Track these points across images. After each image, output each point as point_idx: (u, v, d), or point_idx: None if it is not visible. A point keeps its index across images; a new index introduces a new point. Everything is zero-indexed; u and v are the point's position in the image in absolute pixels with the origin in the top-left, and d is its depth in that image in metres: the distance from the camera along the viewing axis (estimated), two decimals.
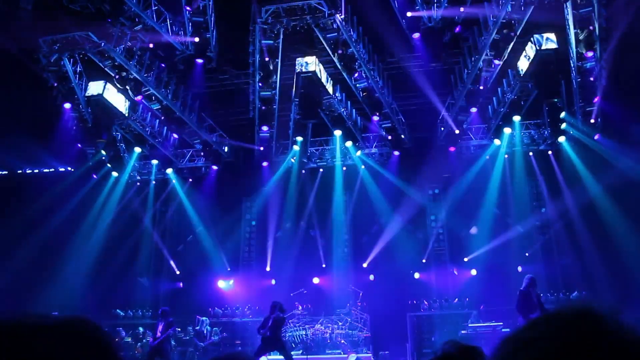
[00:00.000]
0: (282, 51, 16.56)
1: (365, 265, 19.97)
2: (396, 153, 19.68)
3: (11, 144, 18.83)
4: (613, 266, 16.05)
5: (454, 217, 19.70)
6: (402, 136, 19.28)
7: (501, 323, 15.64)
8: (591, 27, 14.96)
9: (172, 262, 21.13)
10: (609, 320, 0.79)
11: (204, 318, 16.50)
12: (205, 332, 15.80)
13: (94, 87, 16.66)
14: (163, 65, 17.24)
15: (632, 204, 16.32)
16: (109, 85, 16.68)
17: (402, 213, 20.14)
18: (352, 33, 15.75)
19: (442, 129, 18.95)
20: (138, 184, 21.47)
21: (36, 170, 21.99)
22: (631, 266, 15.71)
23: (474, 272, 19.12)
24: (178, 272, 21.10)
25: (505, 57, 16.08)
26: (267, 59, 16.37)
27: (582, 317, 0.80)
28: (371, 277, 19.78)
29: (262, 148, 19.58)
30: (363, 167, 20.29)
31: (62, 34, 14.91)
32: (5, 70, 16.43)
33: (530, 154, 19.41)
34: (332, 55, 16.32)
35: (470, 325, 16.01)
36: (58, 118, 17.85)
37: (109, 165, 19.70)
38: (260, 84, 17.37)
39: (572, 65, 16.27)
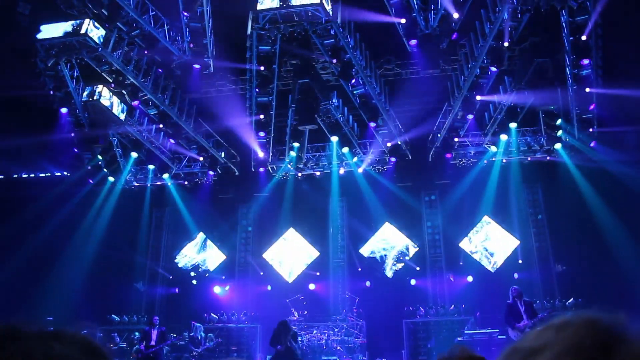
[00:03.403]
0: (279, 57, 16.61)
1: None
2: (392, 159, 19.71)
3: (7, 148, 18.79)
4: (609, 272, 16.07)
5: (450, 224, 19.72)
6: (399, 142, 19.31)
7: (497, 330, 15.63)
8: (587, 35, 15.01)
9: (161, 270, 21.12)
10: (621, 329, 0.78)
11: (198, 324, 16.44)
12: (199, 338, 15.74)
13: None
14: (160, 70, 17.24)
15: (627, 210, 16.38)
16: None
17: (399, 219, 20.18)
18: (349, 39, 15.79)
19: (439, 135, 18.98)
20: (134, 189, 21.43)
21: (32, 175, 21.94)
22: (627, 272, 15.74)
23: (470, 278, 19.15)
24: (171, 277, 21.05)
25: (502, 64, 16.14)
26: (262, 68, 16.42)
27: (593, 326, 0.79)
28: (367, 283, 19.78)
29: (260, 154, 19.59)
30: (360, 170, 20.28)
31: (59, 38, 14.91)
32: (2, 75, 16.41)
33: (529, 159, 19.43)
34: (329, 62, 16.36)
35: (466, 332, 16.00)
36: (55, 122, 17.81)
37: (105, 170, 19.68)
38: (257, 90, 17.39)
39: (568, 72, 16.35)
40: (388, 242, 20.18)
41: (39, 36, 14.94)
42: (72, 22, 14.87)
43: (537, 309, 14.11)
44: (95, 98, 16.61)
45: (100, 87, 16.76)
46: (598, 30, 14.92)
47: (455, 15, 15.85)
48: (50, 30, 15.00)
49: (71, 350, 0.86)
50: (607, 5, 14.03)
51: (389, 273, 19.91)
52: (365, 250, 20.23)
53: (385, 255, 20.05)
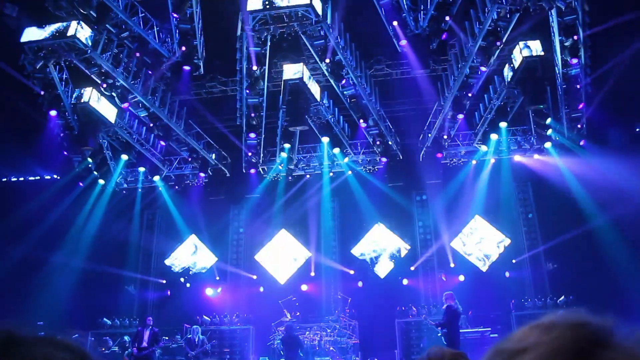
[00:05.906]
0: (270, 58, 16.59)
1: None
2: (384, 160, 19.73)
3: None
4: (599, 270, 16.16)
5: (442, 224, 19.76)
6: (390, 143, 19.33)
7: (489, 329, 15.72)
8: (575, 35, 15.10)
9: (158, 275, 21.03)
10: (607, 333, 0.76)
11: (195, 326, 16.33)
12: (196, 340, 15.65)
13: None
14: (150, 72, 17.16)
15: (617, 208, 16.46)
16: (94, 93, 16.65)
17: (390, 219, 20.20)
18: (339, 40, 15.79)
19: (430, 135, 19.03)
20: (124, 192, 21.32)
21: (21, 179, 21.79)
22: (617, 270, 15.82)
23: (461, 277, 19.19)
24: (164, 282, 20.96)
25: (492, 64, 16.20)
26: (254, 67, 16.37)
27: (578, 330, 0.77)
28: (359, 283, 19.78)
29: (250, 154, 19.56)
30: (349, 172, 20.30)
31: (47, 40, 14.80)
32: None
33: (517, 157, 19.51)
34: (319, 62, 16.36)
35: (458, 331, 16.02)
36: (44, 125, 17.69)
37: (95, 173, 19.56)
38: (247, 91, 17.37)
39: (557, 72, 16.44)
40: (378, 245, 20.16)
41: (22, 39, 14.77)
42: (60, 23, 14.76)
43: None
44: (83, 100, 16.45)
45: (89, 90, 16.59)
46: (586, 30, 15.01)
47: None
48: (36, 33, 14.85)
49: (70, 356, 0.85)
50: (595, 4, 14.14)
51: (381, 273, 19.89)
52: (356, 251, 20.22)
53: (377, 257, 20.02)
